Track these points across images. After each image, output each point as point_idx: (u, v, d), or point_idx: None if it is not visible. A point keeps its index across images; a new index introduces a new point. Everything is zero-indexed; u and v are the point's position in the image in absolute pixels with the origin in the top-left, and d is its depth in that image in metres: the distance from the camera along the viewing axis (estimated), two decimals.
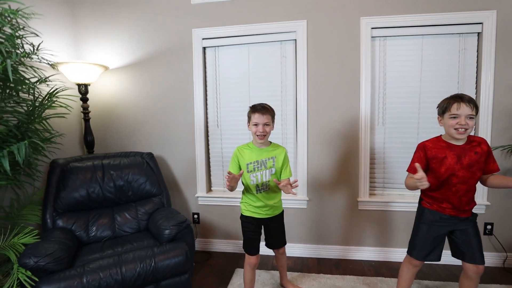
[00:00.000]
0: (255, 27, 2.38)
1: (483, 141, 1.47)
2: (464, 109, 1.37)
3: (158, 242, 1.87)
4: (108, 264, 1.60)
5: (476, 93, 2.23)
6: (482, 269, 1.51)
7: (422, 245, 1.57)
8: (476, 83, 2.23)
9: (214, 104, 2.55)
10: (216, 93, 2.54)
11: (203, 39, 2.46)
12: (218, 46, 2.49)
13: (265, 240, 1.88)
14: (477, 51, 2.21)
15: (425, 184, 1.35)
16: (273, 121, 1.73)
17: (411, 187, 1.51)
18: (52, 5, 2.35)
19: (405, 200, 2.31)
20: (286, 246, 1.91)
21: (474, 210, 2.13)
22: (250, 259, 1.76)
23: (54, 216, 1.96)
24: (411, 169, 1.54)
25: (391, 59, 2.31)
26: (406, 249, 1.68)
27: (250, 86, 2.48)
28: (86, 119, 2.44)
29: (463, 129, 1.38)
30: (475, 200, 1.54)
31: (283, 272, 1.99)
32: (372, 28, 2.25)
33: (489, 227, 2.27)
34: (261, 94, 2.46)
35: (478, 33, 2.18)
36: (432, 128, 2.20)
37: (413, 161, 1.56)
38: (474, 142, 1.46)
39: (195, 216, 2.60)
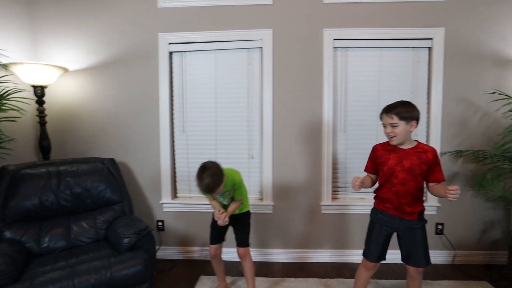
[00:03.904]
0: (222, 34, 2.40)
1: (431, 150, 1.54)
2: (386, 120, 1.52)
3: (117, 251, 1.80)
4: (59, 277, 1.52)
5: (428, 103, 2.40)
6: (422, 269, 1.60)
7: (375, 246, 1.65)
8: (428, 93, 2.40)
9: (180, 110, 2.52)
10: (182, 99, 2.51)
11: (169, 43, 2.43)
12: (185, 51, 2.47)
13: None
14: (428, 64, 2.38)
15: (356, 187, 1.56)
16: (222, 183, 1.63)
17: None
18: (6, 5, 2.22)
19: (365, 203, 2.41)
20: (252, 250, 1.94)
21: (427, 212, 2.29)
22: (209, 248, 1.89)
23: (2, 226, 1.83)
24: (366, 168, 1.73)
25: (352, 69, 2.42)
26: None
27: (217, 93, 2.48)
28: (42, 123, 2.30)
29: (390, 136, 1.53)
30: (424, 204, 1.61)
31: (246, 279, 1.98)
32: (334, 39, 2.36)
33: (440, 227, 2.43)
34: (228, 100, 2.48)
35: (429, 47, 2.36)
36: None
37: (368, 160, 1.73)
38: (421, 149, 1.56)
39: (160, 223, 2.54)
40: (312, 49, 2.37)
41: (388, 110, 1.53)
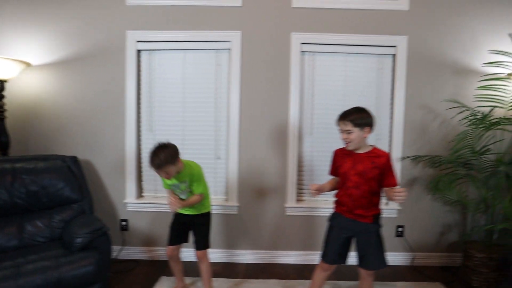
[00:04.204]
0: (191, 34, 2.39)
1: (384, 155, 1.59)
2: (342, 126, 1.57)
3: (69, 251, 1.76)
4: (3, 277, 1.47)
5: (391, 109, 2.47)
6: (372, 271, 1.65)
7: (331, 248, 1.67)
8: (391, 99, 2.47)
9: (147, 109, 2.50)
10: (150, 97, 2.49)
11: (137, 41, 2.41)
12: (153, 50, 2.46)
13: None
14: (392, 71, 2.45)
15: (313, 193, 1.60)
16: (174, 164, 1.65)
17: None
18: None
19: (330, 206, 2.44)
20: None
21: (388, 215, 2.36)
22: (166, 249, 1.88)
23: None
24: (329, 171, 1.77)
25: (319, 73, 2.47)
26: None
27: (185, 92, 2.48)
28: (1, 118, 2.24)
29: (346, 142, 1.58)
30: (380, 207, 1.64)
31: (203, 282, 1.97)
32: (302, 43, 2.39)
33: (400, 229, 2.50)
34: (196, 100, 2.47)
35: (393, 55, 2.43)
36: None
37: (331, 164, 1.76)
38: (375, 154, 1.60)
39: (124, 223, 2.50)
40: (280, 52, 2.40)
41: (343, 117, 1.57)
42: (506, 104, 2.08)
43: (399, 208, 2.46)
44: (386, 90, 2.47)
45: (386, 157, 1.59)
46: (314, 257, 2.48)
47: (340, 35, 2.39)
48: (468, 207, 2.34)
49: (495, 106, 2.10)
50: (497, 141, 2.14)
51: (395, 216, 2.48)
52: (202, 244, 1.85)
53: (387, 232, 2.49)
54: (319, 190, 1.62)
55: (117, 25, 2.40)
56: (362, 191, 1.56)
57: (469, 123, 2.12)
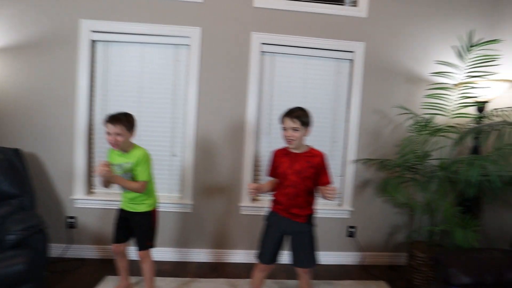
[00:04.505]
0: (150, 28, 2.33)
1: (319, 155, 1.64)
2: (289, 123, 1.57)
3: (1, 248, 1.66)
4: None
5: (347, 113, 2.53)
6: (306, 270, 1.69)
7: (267, 248, 1.69)
8: (347, 103, 2.53)
9: (102, 102, 2.40)
10: (105, 90, 2.40)
11: (92, 31, 2.31)
12: (109, 41, 2.37)
13: None
14: (349, 76, 2.51)
15: (251, 192, 1.59)
16: (129, 130, 1.70)
17: None
18: None
19: None
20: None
21: (340, 216, 2.39)
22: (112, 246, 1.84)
23: None
24: (267, 172, 1.76)
25: (279, 75, 2.49)
26: None
27: (142, 87, 2.41)
28: None
29: (289, 140, 1.58)
30: (313, 207, 1.68)
31: (145, 281, 1.90)
32: (262, 43, 2.40)
33: (352, 230, 2.58)
34: (152, 95, 2.42)
35: (351, 60, 2.49)
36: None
37: (269, 166, 1.75)
38: (310, 153, 1.64)
39: (71, 220, 2.40)
40: (240, 51, 2.39)
41: (291, 114, 1.58)
42: (449, 112, 2.20)
43: (351, 209, 2.53)
44: (343, 94, 2.53)
45: (321, 156, 1.64)
46: None
47: (300, 37, 2.42)
48: (415, 209, 2.46)
49: (439, 114, 2.21)
50: (440, 147, 2.26)
51: (348, 217, 2.56)
52: (143, 244, 1.80)
53: (339, 233, 2.58)
54: (257, 190, 1.64)
55: (71, 13, 2.29)
56: (299, 190, 1.60)
57: (414, 129, 2.21)
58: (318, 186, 1.64)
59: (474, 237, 1.90)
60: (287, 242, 1.70)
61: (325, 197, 1.57)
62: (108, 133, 1.64)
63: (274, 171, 1.73)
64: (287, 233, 1.67)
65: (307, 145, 1.66)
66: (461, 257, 1.73)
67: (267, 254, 1.69)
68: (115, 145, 1.65)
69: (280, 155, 1.69)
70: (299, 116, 1.57)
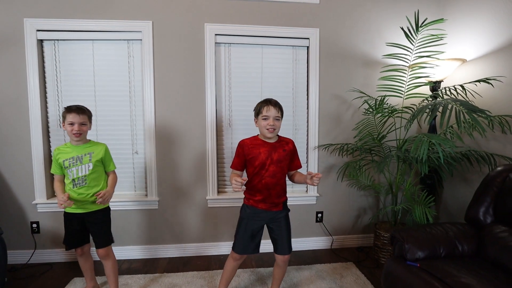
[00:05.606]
0: (98, 24, 2.27)
1: (290, 141, 1.69)
2: (272, 111, 1.56)
3: None
4: None
5: (307, 99, 2.54)
6: (288, 258, 1.71)
7: (241, 240, 1.69)
8: (307, 90, 2.54)
9: (55, 103, 2.35)
10: (57, 91, 2.34)
11: (38, 30, 2.23)
12: (58, 39, 2.30)
13: None
14: (307, 63, 2.52)
15: (236, 188, 1.44)
16: (90, 122, 1.77)
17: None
18: None
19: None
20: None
21: (308, 202, 2.42)
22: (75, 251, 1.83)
23: None
24: (233, 165, 1.69)
25: (236, 65, 2.47)
26: None
27: (96, 85, 2.36)
28: None
29: (272, 129, 1.57)
30: (286, 193, 1.71)
31: (109, 280, 1.88)
32: (216, 34, 2.37)
33: (319, 215, 2.62)
34: (108, 94, 2.37)
35: (307, 47, 2.49)
36: None
37: (235, 157, 1.68)
38: (283, 141, 1.67)
39: (34, 225, 2.36)
40: (194, 43, 2.36)
41: (275, 104, 1.59)
42: (403, 93, 2.23)
43: (317, 195, 2.57)
44: (302, 81, 2.54)
45: (292, 142, 1.70)
46: None
47: (255, 26, 2.40)
48: (378, 190, 2.52)
49: (393, 95, 2.24)
50: (396, 129, 2.30)
51: (314, 203, 2.59)
52: (106, 240, 1.79)
53: (307, 219, 2.62)
54: (243, 182, 1.48)
55: (14, 12, 2.20)
56: (277, 179, 1.61)
57: (369, 111, 2.25)
58: (290, 171, 1.70)
59: (431, 213, 1.96)
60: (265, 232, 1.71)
61: (310, 183, 1.55)
62: (71, 124, 1.66)
63: (241, 163, 1.66)
64: (265, 222, 1.69)
65: (276, 135, 1.68)
66: (415, 233, 1.78)
67: (241, 245, 1.68)
68: (79, 134, 1.68)
69: (253, 146, 1.63)
70: (280, 106, 1.61)
